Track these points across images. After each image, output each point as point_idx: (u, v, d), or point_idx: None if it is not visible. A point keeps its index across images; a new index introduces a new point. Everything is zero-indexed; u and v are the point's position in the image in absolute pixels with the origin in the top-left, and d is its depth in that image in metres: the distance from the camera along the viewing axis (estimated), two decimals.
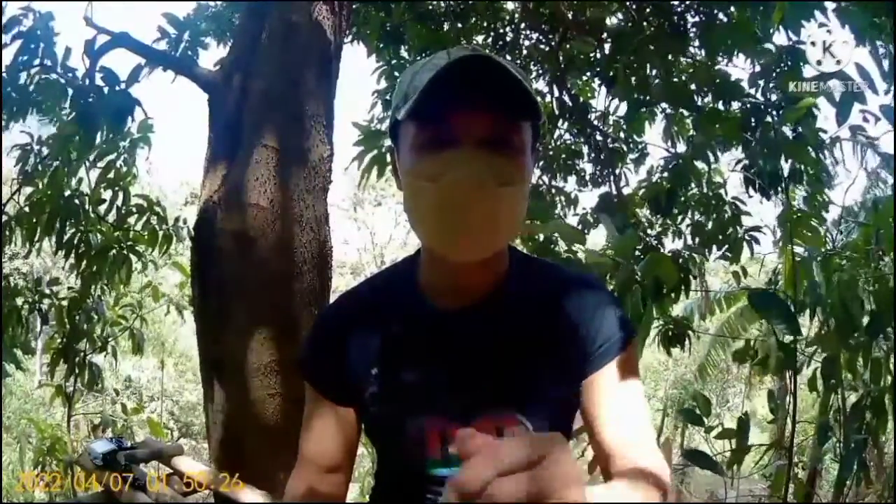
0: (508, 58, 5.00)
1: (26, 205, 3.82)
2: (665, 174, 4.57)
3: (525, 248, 3.82)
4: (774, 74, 3.79)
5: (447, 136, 0.76)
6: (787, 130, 3.73)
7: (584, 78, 5.15)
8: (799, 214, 3.29)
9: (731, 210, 4.23)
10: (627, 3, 4.55)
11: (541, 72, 5.06)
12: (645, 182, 4.78)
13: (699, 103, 4.37)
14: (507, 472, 0.46)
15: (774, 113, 3.94)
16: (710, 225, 4.23)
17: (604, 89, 5.03)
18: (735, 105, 4.19)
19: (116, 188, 3.89)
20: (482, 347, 0.87)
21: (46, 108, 3.32)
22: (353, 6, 3.34)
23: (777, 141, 3.35)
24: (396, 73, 4.73)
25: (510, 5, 5.00)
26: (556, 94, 5.03)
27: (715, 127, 3.91)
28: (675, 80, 4.30)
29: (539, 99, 0.82)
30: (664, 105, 4.60)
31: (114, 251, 3.95)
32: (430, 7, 4.73)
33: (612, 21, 4.74)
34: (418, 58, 4.78)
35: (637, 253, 3.14)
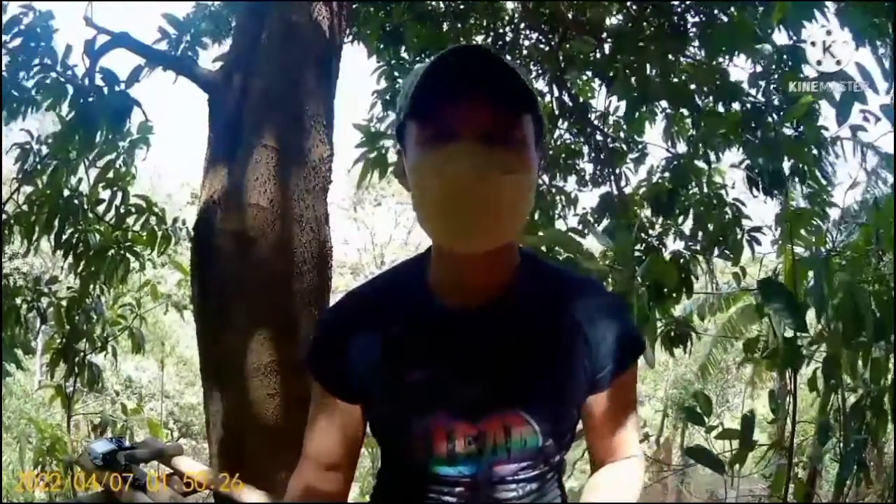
0: (508, 58, 4.99)
1: (25, 203, 3.82)
2: (666, 174, 4.57)
3: None
4: (775, 75, 3.80)
5: (447, 131, 0.78)
6: (788, 130, 3.73)
7: (584, 78, 5.15)
8: (799, 212, 3.28)
9: (731, 211, 4.23)
10: (627, 4, 4.55)
11: (541, 72, 5.06)
12: (645, 182, 4.78)
13: (699, 103, 4.37)
14: None
15: (774, 114, 3.94)
16: (710, 226, 4.23)
17: (604, 89, 5.03)
18: (735, 105, 4.19)
19: (115, 188, 3.89)
20: (490, 347, 0.87)
21: (47, 106, 3.32)
22: (353, 6, 3.34)
23: (778, 140, 3.36)
24: (396, 74, 4.73)
25: (510, 5, 5.00)
26: (556, 94, 5.03)
27: (715, 126, 3.91)
28: (676, 80, 4.29)
29: (539, 99, 0.84)
30: (664, 105, 4.60)
31: (112, 251, 3.95)
32: (430, 7, 4.72)
33: (612, 21, 4.73)
34: (418, 58, 4.79)
35: (637, 254, 3.14)
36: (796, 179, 3.91)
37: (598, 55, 4.70)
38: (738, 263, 3.99)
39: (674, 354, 4.29)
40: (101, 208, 3.92)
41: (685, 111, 4.60)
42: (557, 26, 4.74)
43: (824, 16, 2.78)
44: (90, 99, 3.12)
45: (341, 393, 0.94)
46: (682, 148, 4.80)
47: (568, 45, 4.73)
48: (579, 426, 0.96)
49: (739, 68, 4.28)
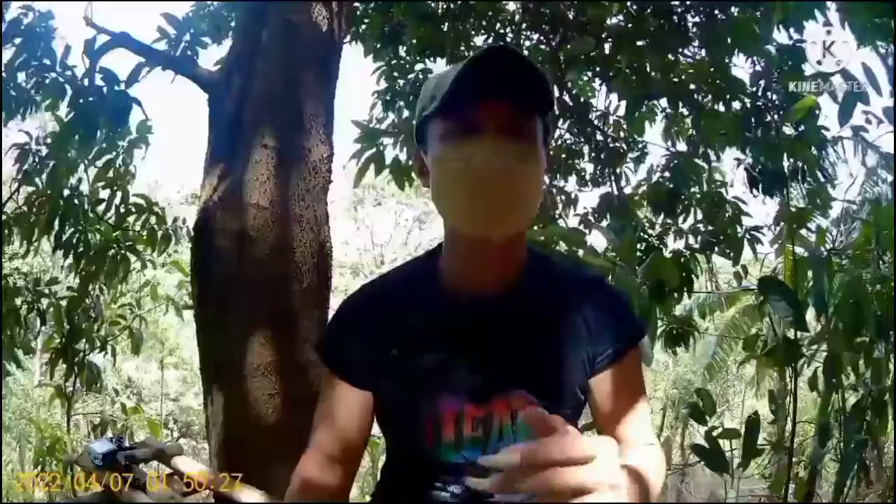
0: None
1: (24, 204, 3.82)
2: (666, 174, 4.57)
3: None
4: (775, 75, 3.79)
5: (472, 125, 0.84)
6: (788, 129, 3.73)
7: (585, 78, 5.15)
8: (800, 212, 3.28)
9: (731, 209, 4.23)
10: (627, 4, 4.55)
11: None
12: (644, 181, 4.78)
13: (699, 102, 4.37)
14: (567, 464, 0.53)
15: (775, 113, 3.94)
16: (711, 225, 4.23)
17: (604, 89, 5.03)
18: (736, 104, 4.19)
19: (115, 188, 3.89)
20: (496, 332, 0.91)
21: (47, 106, 3.32)
22: (354, 6, 3.33)
23: (778, 139, 3.36)
24: (396, 73, 4.73)
25: (511, 6, 5.00)
26: (556, 94, 5.03)
27: (715, 126, 3.91)
28: (676, 79, 4.29)
29: (555, 102, 0.89)
30: (664, 104, 4.60)
31: (112, 251, 3.95)
32: (430, 7, 4.72)
33: (612, 21, 4.73)
34: (418, 58, 4.79)
35: (638, 254, 3.14)
36: (798, 178, 3.91)
37: (599, 55, 4.70)
38: (738, 262, 3.99)
39: (675, 353, 4.29)
40: (100, 208, 3.92)
41: (685, 111, 4.60)
42: (558, 26, 4.74)
43: (825, 16, 2.78)
44: (90, 99, 3.12)
45: (352, 378, 0.96)
46: (682, 147, 4.80)
47: (568, 45, 4.73)
48: (582, 421, 0.96)
49: (739, 67, 4.29)
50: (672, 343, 3.87)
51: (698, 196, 4.33)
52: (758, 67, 4.14)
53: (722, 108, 4.25)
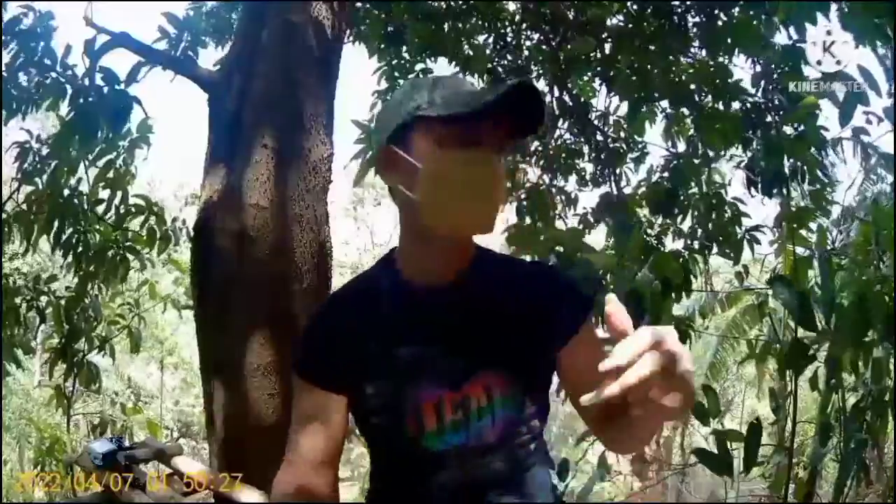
0: (510, 58, 5.01)
1: (24, 203, 3.82)
2: (665, 174, 4.57)
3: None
4: (776, 75, 3.79)
5: (477, 138, 0.93)
6: (789, 129, 3.73)
7: (585, 78, 5.15)
8: (799, 210, 3.28)
9: (731, 210, 4.23)
10: (627, 4, 4.55)
11: (541, 72, 5.06)
12: (644, 181, 4.78)
13: (699, 102, 4.37)
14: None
15: (775, 114, 3.94)
16: (710, 225, 4.23)
17: (604, 89, 5.03)
18: (736, 105, 4.19)
19: (115, 188, 3.89)
20: (459, 317, 0.97)
21: (47, 106, 3.32)
22: (355, 5, 3.33)
23: (779, 139, 3.35)
24: (397, 74, 4.72)
25: (511, 6, 5.00)
26: (556, 94, 5.03)
27: (715, 127, 3.91)
28: (676, 80, 4.29)
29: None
30: (664, 105, 4.60)
31: (112, 251, 3.95)
32: (431, 7, 4.72)
33: (612, 21, 4.73)
34: (419, 58, 4.79)
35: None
36: (797, 179, 3.91)
37: (599, 55, 4.70)
38: (738, 263, 3.99)
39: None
40: (100, 208, 3.91)
41: (685, 111, 4.60)
42: (558, 26, 4.74)
43: (826, 17, 2.77)
44: (90, 99, 3.12)
45: (328, 384, 1.00)
46: (682, 148, 4.80)
47: (569, 46, 4.73)
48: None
49: (739, 68, 4.29)
50: None
51: (697, 196, 4.33)
52: (758, 68, 4.14)
53: (721, 108, 4.25)
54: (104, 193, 3.90)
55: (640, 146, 5.07)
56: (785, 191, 3.79)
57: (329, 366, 1.00)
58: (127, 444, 2.07)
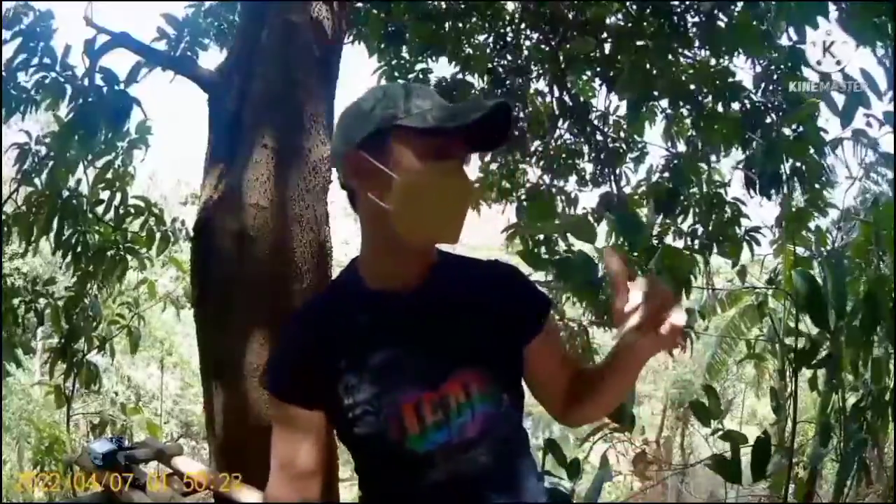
0: (510, 58, 5.02)
1: (24, 204, 3.82)
2: (665, 173, 4.57)
3: (524, 247, 3.82)
4: (776, 76, 3.79)
5: (452, 150, 0.95)
6: (788, 130, 3.73)
7: (585, 78, 5.15)
8: (799, 211, 3.28)
9: (731, 210, 4.23)
10: (627, 3, 4.55)
11: (541, 72, 5.06)
12: (644, 181, 4.79)
13: (700, 102, 4.37)
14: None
15: (774, 114, 3.94)
16: (710, 225, 4.24)
17: (604, 89, 5.04)
18: (735, 105, 4.19)
19: (114, 188, 3.89)
20: (428, 320, 0.99)
21: (46, 106, 3.32)
22: (355, 5, 3.33)
23: (778, 140, 3.35)
24: (397, 74, 4.73)
25: (511, 5, 5.00)
26: (556, 94, 5.03)
27: (715, 127, 3.91)
28: (676, 79, 4.29)
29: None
30: (664, 105, 4.60)
31: (112, 251, 3.95)
32: (431, 7, 4.72)
33: (612, 21, 4.73)
34: (419, 58, 4.79)
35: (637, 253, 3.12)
36: (796, 180, 3.92)
37: (599, 55, 4.70)
38: (737, 263, 3.99)
39: (672, 354, 4.29)
40: (100, 209, 3.91)
41: (685, 111, 4.60)
42: (558, 26, 4.74)
43: (826, 18, 2.77)
44: (90, 99, 3.11)
45: (300, 400, 1.00)
46: (681, 148, 4.81)
47: (568, 45, 4.74)
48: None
49: (739, 68, 4.29)
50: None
51: (697, 196, 4.34)
52: (758, 68, 4.14)
53: (721, 109, 4.25)
54: (104, 194, 3.90)
55: (639, 146, 5.07)
56: (785, 191, 3.79)
57: (300, 383, 1.00)
58: (127, 444, 2.07)
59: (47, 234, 3.77)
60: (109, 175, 3.84)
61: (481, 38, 4.96)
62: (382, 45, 4.67)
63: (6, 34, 3.16)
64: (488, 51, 4.90)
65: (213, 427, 2.58)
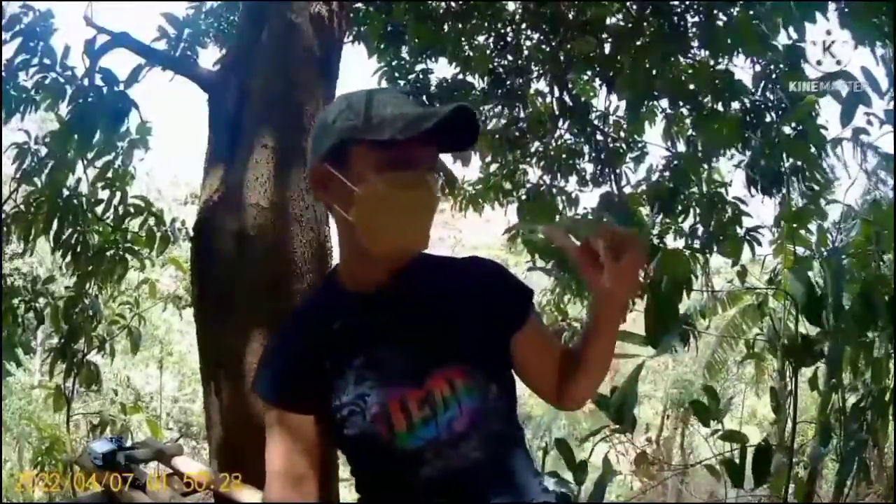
0: (510, 58, 5.02)
1: (23, 204, 3.82)
2: (666, 173, 4.57)
3: (525, 248, 3.82)
4: (775, 75, 3.79)
5: (414, 159, 0.94)
6: (788, 129, 3.73)
7: (585, 78, 5.15)
8: (799, 210, 3.28)
9: (731, 210, 4.23)
10: (627, 3, 4.55)
11: (541, 72, 5.06)
12: (644, 181, 4.79)
13: (700, 101, 4.37)
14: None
15: (774, 114, 3.94)
16: (710, 225, 4.24)
17: (604, 89, 5.04)
18: (735, 105, 4.19)
19: (114, 188, 3.89)
20: (409, 319, 1.00)
21: (46, 106, 3.32)
22: (355, 5, 3.33)
23: (779, 139, 3.35)
24: (397, 74, 4.73)
25: (511, 6, 5.00)
26: (557, 94, 5.03)
27: (715, 127, 3.91)
28: (676, 79, 4.29)
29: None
30: (664, 105, 4.60)
31: (111, 251, 3.95)
32: (431, 7, 4.72)
33: (612, 21, 4.73)
34: (419, 59, 4.79)
35: None
36: (795, 179, 3.92)
37: (599, 55, 4.70)
38: (737, 262, 3.99)
39: (676, 351, 4.30)
40: (99, 209, 3.91)
41: (685, 111, 4.60)
42: (558, 26, 4.74)
43: (825, 17, 2.77)
44: (89, 99, 3.11)
45: (290, 406, 1.01)
46: (681, 148, 4.81)
47: (569, 46, 4.73)
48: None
49: (739, 68, 4.29)
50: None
51: (697, 196, 4.34)
52: (757, 67, 4.14)
53: (721, 109, 4.25)
54: (103, 194, 3.90)
55: (639, 146, 5.07)
56: (784, 191, 3.79)
57: (289, 388, 1.01)
58: (127, 444, 2.07)
59: (47, 233, 3.76)
60: (109, 175, 3.84)
61: (482, 38, 4.96)
62: (382, 45, 4.67)
63: (6, 34, 3.16)
64: (489, 51, 4.90)
65: (213, 427, 2.59)
